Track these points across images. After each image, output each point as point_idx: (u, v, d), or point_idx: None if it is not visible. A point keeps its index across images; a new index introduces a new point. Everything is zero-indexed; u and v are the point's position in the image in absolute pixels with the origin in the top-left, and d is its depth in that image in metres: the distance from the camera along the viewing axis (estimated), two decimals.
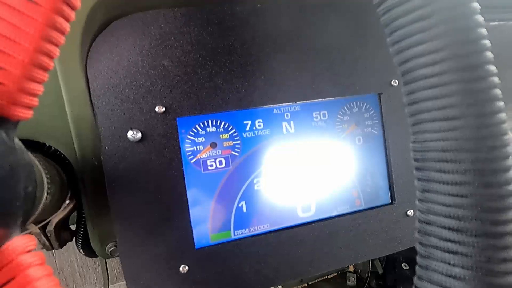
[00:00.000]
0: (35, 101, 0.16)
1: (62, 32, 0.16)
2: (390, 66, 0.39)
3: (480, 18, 0.17)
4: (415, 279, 0.18)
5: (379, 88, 0.39)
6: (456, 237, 0.16)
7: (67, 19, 0.16)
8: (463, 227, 0.16)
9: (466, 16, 0.16)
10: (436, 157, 0.17)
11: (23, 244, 0.15)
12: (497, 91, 0.17)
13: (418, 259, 0.18)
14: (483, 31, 0.17)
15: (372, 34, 0.39)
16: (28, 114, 0.16)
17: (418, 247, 0.19)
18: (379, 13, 0.19)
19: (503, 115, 0.16)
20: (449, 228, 0.16)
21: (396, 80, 0.39)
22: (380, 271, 0.71)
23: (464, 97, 0.16)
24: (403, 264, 0.67)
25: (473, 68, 0.16)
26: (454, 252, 0.16)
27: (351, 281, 0.74)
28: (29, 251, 0.15)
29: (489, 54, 0.17)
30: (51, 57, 0.16)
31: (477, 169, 0.16)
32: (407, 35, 0.17)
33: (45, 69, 0.16)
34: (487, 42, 0.17)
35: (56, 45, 0.16)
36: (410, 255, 0.65)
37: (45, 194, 0.26)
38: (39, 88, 0.16)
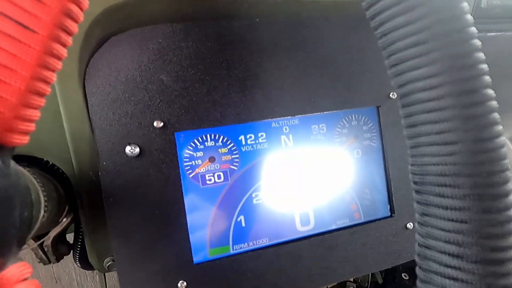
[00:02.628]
0: (31, 127, 0.16)
1: (59, 58, 0.16)
2: (388, 79, 0.39)
3: (478, 43, 0.17)
4: None
5: (378, 101, 0.39)
6: (456, 263, 0.16)
7: (64, 45, 0.16)
8: (463, 253, 0.16)
9: (463, 41, 0.16)
10: (435, 181, 0.17)
11: (18, 272, 0.15)
12: (495, 116, 0.16)
13: (418, 283, 0.18)
14: (481, 55, 0.17)
15: (370, 47, 0.39)
16: (24, 140, 0.16)
17: (418, 271, 0.19)
18: (376, 35, 0.19)
19: (501, 140, 0.16)
20: (449, 254, 0.16)
21: (395, 93, 0.39)
22: (380, 281, 0.70)
23: (462, 122, 0.16)
24: (403, 274, 0.67)
25: (471, 93, 0.16)
26: (454, 279, 0.16)
27: None
28: (25, 279, 0.15)
29: (487, 79, 0.17)
30: (48, 83, 0.16)
31: (476, 194, 0.16)
32: (404, 59, 0.17)
33: (41, 95, 0.16)
34: (484, 66, 0.17)
35: (53, 71, 0.16)
36: (410, 265, 0.64)
37: (42, 212, 0.26)
38: (36, 114, 0.16)
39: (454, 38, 0.16)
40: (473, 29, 0.17)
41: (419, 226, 0.18)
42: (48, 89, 0.16)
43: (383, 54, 0.19)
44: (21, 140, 0.16)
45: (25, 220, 0.17)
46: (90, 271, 1.09)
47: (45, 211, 0.26)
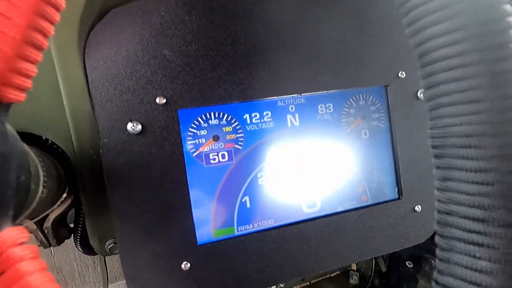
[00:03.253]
0: (28, 83, 0.15)
1: (57, 7, 0.15)
2: (397, 58, 0.38)
3: None
4: (435, 274, 0.17)
5: (386, 80, 0.38)
6: (482, 228, 0.15)
7: None
8: (489, 217, 0.15)
9: None
10: (458, 143, 0.16)
11: (14, 236, 0.14)
12: None
13: (438, 252, 0.17)
14: (508, 7, 0.16)
15: (378, 25, 0.37)
16: (21, 96, 0.15)
17: (438, 239, 0.18)
18: None
19: None
20: (473, 219, 0.15)
21: (403, 72, 0.38)
22: (384, 269, 0.70)
23: (488, 78, 0.15)
24: (407, 262, 0.66)
25: (498, 47, 0.15)
26: (479, 244, 0.15)
27: (354, 279, 0.72)
28: (21, 243, 0.14)
29: None
30: (45, 35, 0.15)
31: (504, 155, 0.15)
32: (425, 14, 0.16)
33: (38, 47, 0.15)
34: (511, 19, 0.16)
35: (51, 22, 0.15)
36: (414, 253, 0.64)
37: (41, 187, 0.25)
38: (32, 69, 0.15)
39: None
40: None
41: (440, 192, 0.17)
42: (45, 42, 0.15)
43: (400, 12, 0.18)
44: (17, 96, 0.15)
45: (23, 184, 0.17)
46: (92, 262, 1.09)
47: (44, 187, 0.25)
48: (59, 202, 0.33)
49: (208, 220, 0.34)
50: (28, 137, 0.31)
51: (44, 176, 0.25)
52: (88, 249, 0.41)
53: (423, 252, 0.60)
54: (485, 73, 0.15)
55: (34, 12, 0.14)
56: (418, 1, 0.16)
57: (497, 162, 0.15)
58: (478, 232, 0.15)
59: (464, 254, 0.16)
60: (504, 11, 0.15)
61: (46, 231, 0.37)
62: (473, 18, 0.15)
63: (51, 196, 0.29)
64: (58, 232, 0.38)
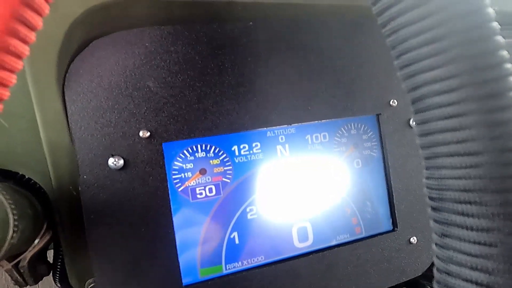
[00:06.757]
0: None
1: (38, 12, 0.13)
2: (389, 86, 0.37)
3: (501, 40, 0.15)
4: None
5: (378, 108, 0.37)
6: None
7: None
8: (494, 283, 0.14)
9: (484, 38, 0.14)
10: (457, 197, 0.15)
11: None
12: None
13: None
14: (505, 54, 0.15)
15: (369, 53, 0.37)
16: None
17: None
18: (385, 33, 0.17)
19: None
20: (476, 283, 0.14)
21: (395, 100, 0.38)
22: None
23: (487, 129, 0.14)
24: None
25: (496, 96, 0.14)
26: None
27: None
28: None
29: None
30: (25, 42, 0.13)
31: (507, 213, 0.14)
32: (418, 59, 0.15)
33: (17, 56, 0.13)
34: (509, 66, 0.15)
35: (32, 29, 0.13)
36: (410, 279, 0.62)
37: (10, 233, 0.23)
38: (10, 78, 0.13)
39: (474, 34, 0.14)
40: (495, 24, 0.15)
41: (438, 248, 0.16)
42: (26, 51, 0.13)
43: (392, 54, 0.17)
44: None
45: None
46: None
47: (14, 231, 0.23)
48: (36, 241, 0.31)
49: (194, 258, 0.32)
50: (2, 174, 0.29)
51: (14, 219, 0.24)
52: (68, 287, 0.39)
53: (420, 278, 0.58)
54: (483, 123, 0.14)
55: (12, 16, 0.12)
56: (411, 45, 0.16)
57: (499, 221, 0.14)
58: None
59: None
60: (501, 57, 0.15)
61: (22, 270, 0.35)
62: (470, 63, 0.14)
63: (25, 237, 0.27)
64: (36, 270, 0.36)
